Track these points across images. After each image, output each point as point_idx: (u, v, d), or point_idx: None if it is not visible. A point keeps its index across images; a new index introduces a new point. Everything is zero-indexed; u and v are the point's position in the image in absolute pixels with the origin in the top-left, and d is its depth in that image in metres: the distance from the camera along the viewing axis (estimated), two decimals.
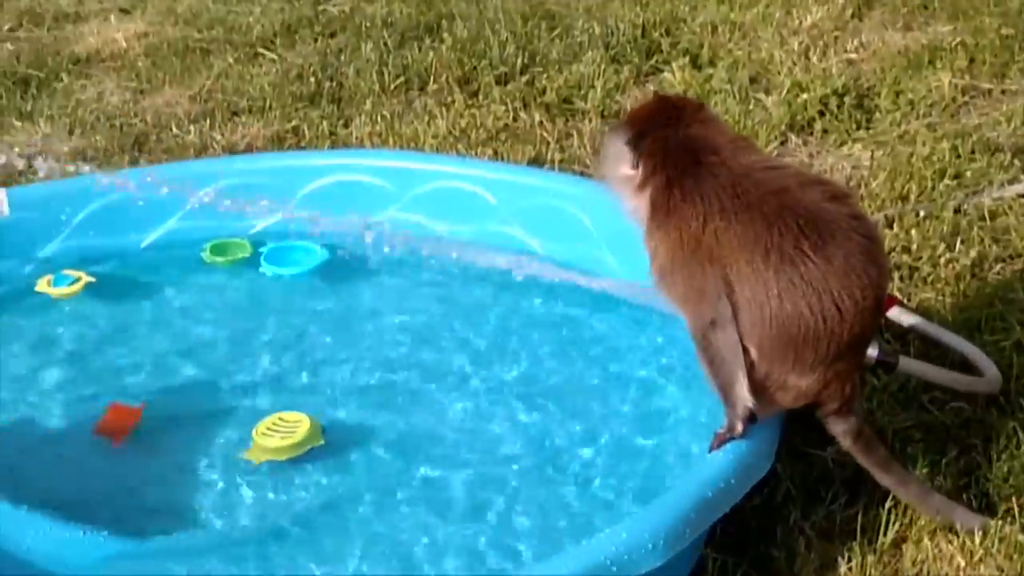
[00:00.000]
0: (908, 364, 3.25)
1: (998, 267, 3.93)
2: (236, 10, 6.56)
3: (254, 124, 5.29)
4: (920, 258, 3.95)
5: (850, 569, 2.85)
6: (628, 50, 5.65)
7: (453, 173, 4.13)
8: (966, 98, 5.07)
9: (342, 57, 5.87)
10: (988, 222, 4.14)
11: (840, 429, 2.88)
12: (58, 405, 3.50)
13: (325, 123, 5.20)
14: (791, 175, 2.85)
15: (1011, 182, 4.38)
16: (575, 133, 4.99)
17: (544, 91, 5.34)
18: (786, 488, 3.07)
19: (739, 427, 2.76)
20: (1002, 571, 2.80)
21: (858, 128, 4.91)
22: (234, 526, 3.02)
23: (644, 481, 3.10)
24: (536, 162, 4.76)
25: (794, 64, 5.39)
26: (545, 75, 5.47)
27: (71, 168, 4.57)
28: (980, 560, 2.83)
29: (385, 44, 5.92)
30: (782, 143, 4.86)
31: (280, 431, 3.23)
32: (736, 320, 2.74)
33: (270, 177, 4.21)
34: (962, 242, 4.01)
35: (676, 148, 2.89)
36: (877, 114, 5.00)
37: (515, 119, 5.13)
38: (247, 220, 4.18)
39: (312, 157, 4.49)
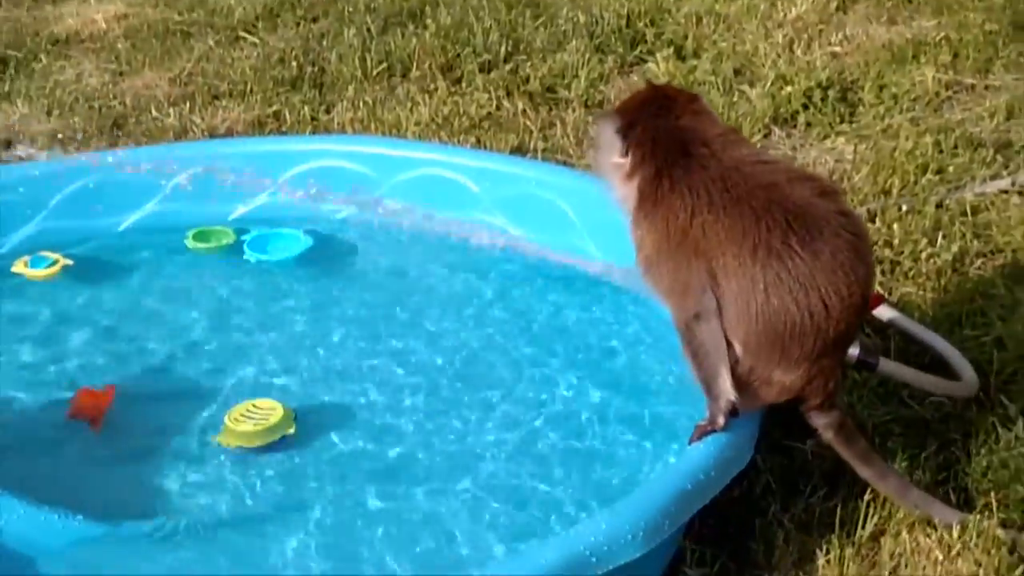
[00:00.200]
0: (887, 366, 3.24)
1: (979, 262, 3.93)
2: None
3: (235, 108, 5.26)
4: (902, 252, 3.95)
5: (828, 562, 2.84)
6: (613, 40, 5.64)
7: (436, 161, 4.11)
8: (949, 93, 5.07)
9: (324, 42, 5.84)
10: (970, 217, 4.14)
11: (822, 422, 2.88)
12: (31, 388, 3.48)
13: (306, 108, 5.17)
14: (781, 170, 2.83)
15: (993, 178, 4.39)
16: (558, 122, 4.97)
17: (528, 79, 5.32)
18: (765, 480, 3.06)
19: (720, 420, 2.75)
20: (980, 565, 2.80)
21: (841, 122, 4.91)
22: (203, 512, 3.01)
23: (623, 472, 3.09)
24: (519, 151, 4.74)
25: (778, 57, 5.38)
26: (529, 63, 5.46)
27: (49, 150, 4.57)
28: (958, 554, 2.83)
29: (368, 30, 5.89)
30: (765, 136, 4.85)
31: (253, 417, 3.22)
32: (721, 314, 2.73)
33: (251, 162, 4.19)
34: (944, 237, 4.01)
35: (666, 138, 2.87)
36: (860, 108, 4.99)
37: (498, 107, 5.11)
38: (230, 204, 4.17)
39: (293, 143, 4.46)
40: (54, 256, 3.94)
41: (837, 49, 5.47)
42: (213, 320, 3.77)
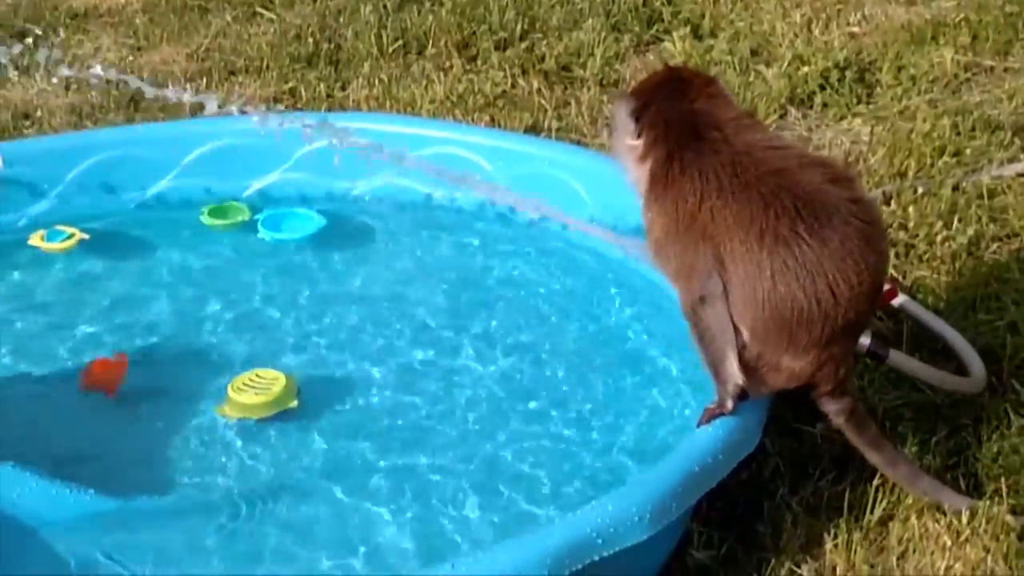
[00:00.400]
0: (897, 358, 3.22)
1: (995, 246, 3.91)
2: None
3: (251, 84, 5.26)
4: (917, 236, 3.93)
5: (836, 546, 2.84)
6: (629, 18, 5.61)
7: (450, 139, 4.10)
8: (968, 75, 5.03)
9: (341, 19, 5.83)
10: (986, 201, 4.12)
11: (833, 408, 2.86)
12: (44, 360, 3.51)
13: (322, 85, 5.17)
14: (793, 156, 2.81)
15: (1011, 161, 4.36)
16: (573, 101, 4.96)
17: (543, 58, 5.30)
18: (774, 464, 3.06)
19: (729, 404, 2.75)
20: (988, 551, 2.79)
21: (858, 103, 4.88)
22: (211, 485, 3.03)
23: (631, 453, 3.10)
24: (533, 130, 4.73)
25: (796, 36, 5.35)
26: (545, 41, 5.44)
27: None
28: (967, 540, 2.82)
29: (384, 6, 5.88)
30: (781, 116, 4.83)
31: (255, 388, 3.24)
32: (728, 299, 2.72)
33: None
34: (959, 220, 3.99)
35: (679, 121, 2.86)
36: (878, 89, 4.96)
37: (513, 86, 5.10)
38: (245, 181, 4.18)
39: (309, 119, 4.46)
40: (70, 230, 3.95)
41: (855, 29, 5.44)
42: (224, 296, 3.79)
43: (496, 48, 5.41)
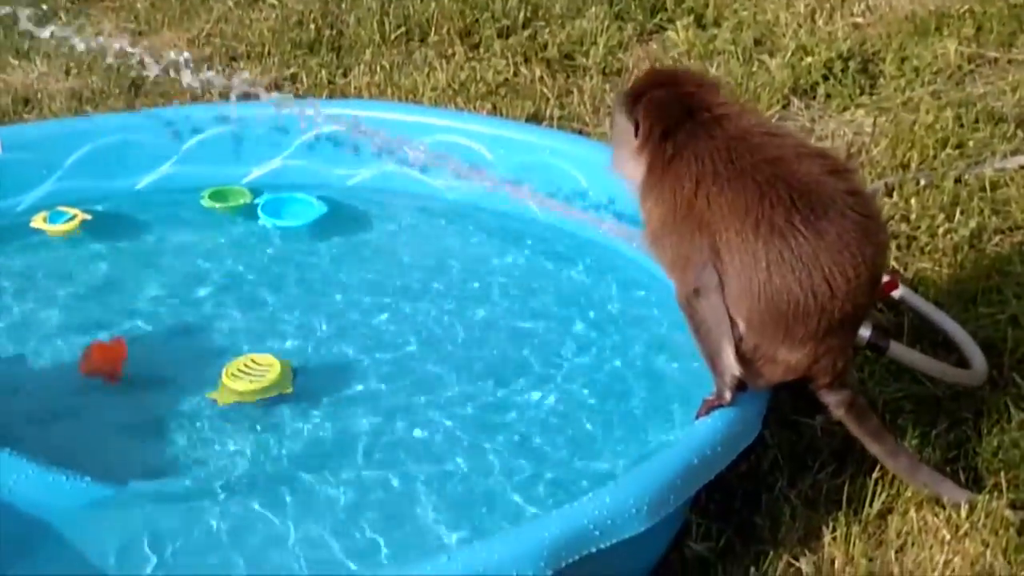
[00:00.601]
0: (898, 350, 3.21)
1: (997, 239, 3.90)
2: None
3: (252, 70, 5.24)
4: (918, 228, 3.92)
5: (834, 539, 2.83)
6: (632, 7, 5.59)
7: (451, 127, 4.09)
8: (972, 66, 5.01)
9: (343, 5, 5.81)
10: (988, 193, 4.10)
11: (832, 400, 2.85)
12: (43, 344, 3.50)
13: (324, 72, 5.16)
14: (790, 145, 2.79)
15: (1014, 153, 4.34)
16: (575, 90, 4.94)
17: (546, 46, 5.28)
18: (773, 456, 3.05)
19: (727, 395, 2.74)
20: (987, 546, 2.78)
21: (861, 94, 4.87)
22: (207, 472, 3.03)
23: (630, 445, 3.09)
24: (535, 118, 4.72)
25: (799, 27, 5.33)
26: (547, 29, 5.42)
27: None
28: (965, 534, 2.81)
29: None
30: (784, 106, 4.81)
31: (249, 374, 3.23)
32: (724, 290, 2.70)
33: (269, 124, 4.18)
34: (961, 212, 3.97)
35: (670, 103, 2.86)
36: (881, 80, 4.95)
37: (515, 74, 5.08)
38: (246, 166, 4.18)
39: (310, 107, 4.44)
40: (73, 211, 3.95)
41: (859, 20, 5.42)
42: (224, 281, 3.79)
43: (499, 36, 5.39)
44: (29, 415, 3.24)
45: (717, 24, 5.46)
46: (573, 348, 3.46)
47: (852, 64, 4.97)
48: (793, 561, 2.79)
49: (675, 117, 2.83)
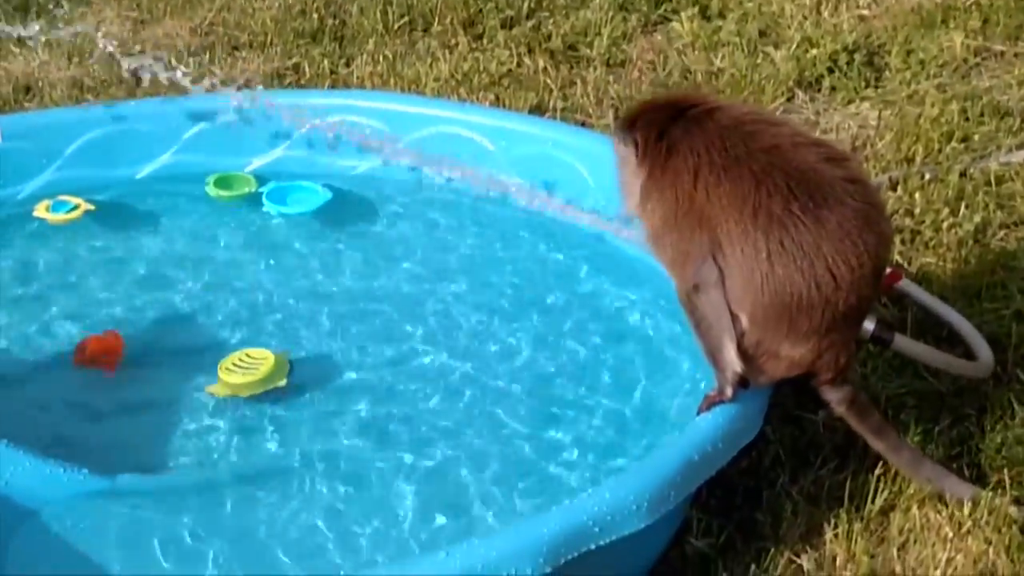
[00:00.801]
0: (903, 342, 3.19)
1: (1001, 234, 3.87)
2: None
3: (254, 59, 5.22)
4: (923, 222, 3.89)
5: (836, 535, 2.81)
6: None
7: (452, 118, 4.06)
8: (978, 59, 4.98)
9: None
10: (993, 187, 4.08)
11: (834, 397, 2.84)
12: (42, 334, 3.50)
13: (326, 61, 5.13)
14: (786, 133, 2.77)
15: (1019, 147, 4.31)
16: (579, 81, 4.91)
17: (550, 36, 5.25)
18: (775, 451, 3.04)
19: (729, 391, 2.72)
20: (990, 543, 2.77)
21: (867, 86, 4.83)
22: (203, 464, 3.04)
23: (631, 440, 3.07)
24: (538, 109, 4.69)
25: (804, 18, 5.30)
26: (551, 20, 5.39)
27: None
28: (968, 532, 2.79)
29: None
30: (789, 99, 4.78)
31: (244, 367, 3.23)
32: (725, 285, 2.68)
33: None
34: (966, 207, 3.95)
35: (662, 108, 2.87)
36: (887, 73, 4.91)
37: (519, 64, 5.05)
38: (248, 155, 4.17)
39: (313, 97, 4.42)
40: (75, 201, 3.94)
41: (865, 12, 5.38)
42: (226, 270, 3.78)
43: (502, 26, 5.36)
44: (27, 405, 3.24)
45: (722, 15, 5.42)
46: (576, 342, 3.44)
47: (857, 57, 4.93)
48: (794, 558, 2.78)
49: (668, 118, 2.81)
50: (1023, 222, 3.92)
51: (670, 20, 5.43)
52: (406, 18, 5.48)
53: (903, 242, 3.80)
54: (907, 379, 3.26)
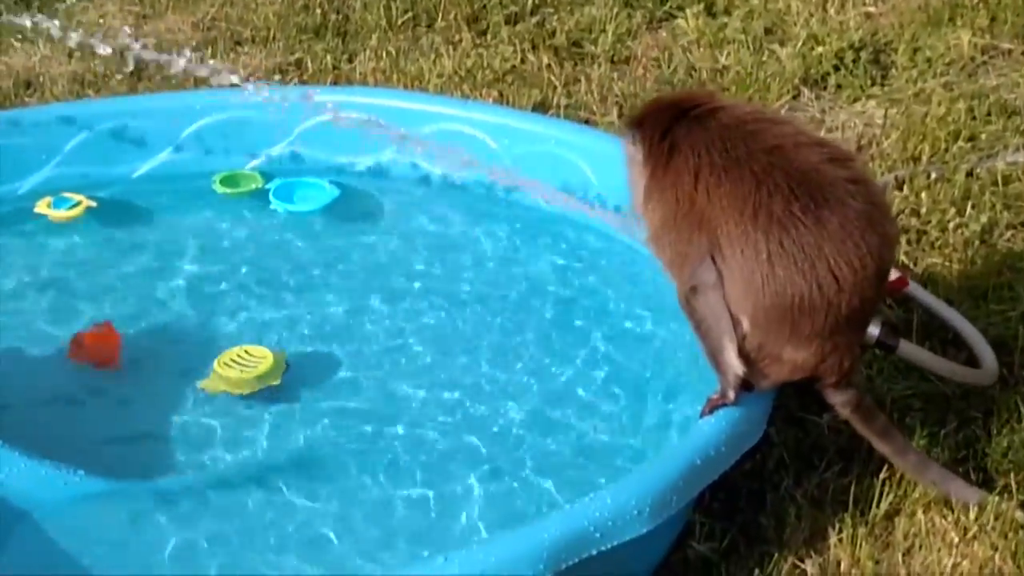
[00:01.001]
0: (907, 348, 3.16)
1: (1008, 234, 3.84)
2: None
3: (257, 55, 5.19)
4: (929, 222, 3.86)
5: (840, 540, 2.79)
6: None
7: (456, 116, 4.03)
8: (985, 58, 4.95)
9: None
10: (1000, 187, 4.04)
11: (839, 400, 2.81)
12: (39, 332, 3.47)
13: (329, 57, 5.10)
14: (788, 133, 2.74)
15: None
16: (583, 78, 4.88)
17: (554, 33, 5.22)
18: (779, 454, 3.01)
19: (731, 394, 2.69)
20: (996, 549, 2.74)
21: (873, 84, 4.80)
22: (200, 464, 3.01)
23: (633, 443, 3.05)
24: (542, 107, 4.66)
25: (811, 16, 5.26)
26: (556, 16, 5.36)
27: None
28: (974, 537, 2.77)
29: None
30: (794, 97, 4.75)
31: (241, 364, 3.21)
32: (725, 286, 2.65)
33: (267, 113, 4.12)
34: (973, 207, 3.92)
35: (667, 108, 2.84)
36: (893, 71, 4.88)
37: (523, 61, 5.02)
38: (250, 153, 4.14)
39: (316, 93, 4.39)
40: (77, 197, 3.91)
41: (871, 9, 5.35)
42: (230, 268, 3.74)
43: (506, 22, 5.33)
44: (26, 403, 3.22)
45: (727, 12, 5.39)
46: (581, 342, 3.41)
47: (864, 54, 4.90)
48: (798, 563, 2.75)
49: (672, 117, 2.79)
50: None
51: (675, 17, 5.40)
52: (410, 14, 5.45)
53: (909, 242, 3.77)
54: (913, 381, 3.23)
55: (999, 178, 4.08)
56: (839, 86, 4.81)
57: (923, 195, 3.97)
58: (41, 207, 3.89)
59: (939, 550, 2.75)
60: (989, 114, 4.48)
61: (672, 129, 2.77)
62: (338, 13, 5.51)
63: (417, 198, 4.06)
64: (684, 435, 2.72)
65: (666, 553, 2.77)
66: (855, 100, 4.72)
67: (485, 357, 3.36)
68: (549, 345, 3.40)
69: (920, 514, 2.83)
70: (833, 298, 2.61)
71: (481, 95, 4.72)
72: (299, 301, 3.60)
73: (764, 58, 4.96)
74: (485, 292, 3.64)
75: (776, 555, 2.76)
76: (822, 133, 4.44)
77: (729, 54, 4.98)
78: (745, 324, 2.66)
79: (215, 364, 3.21)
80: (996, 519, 2.79)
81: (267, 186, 4.04)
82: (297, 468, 2.99)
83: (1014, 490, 2.87)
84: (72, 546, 2.73)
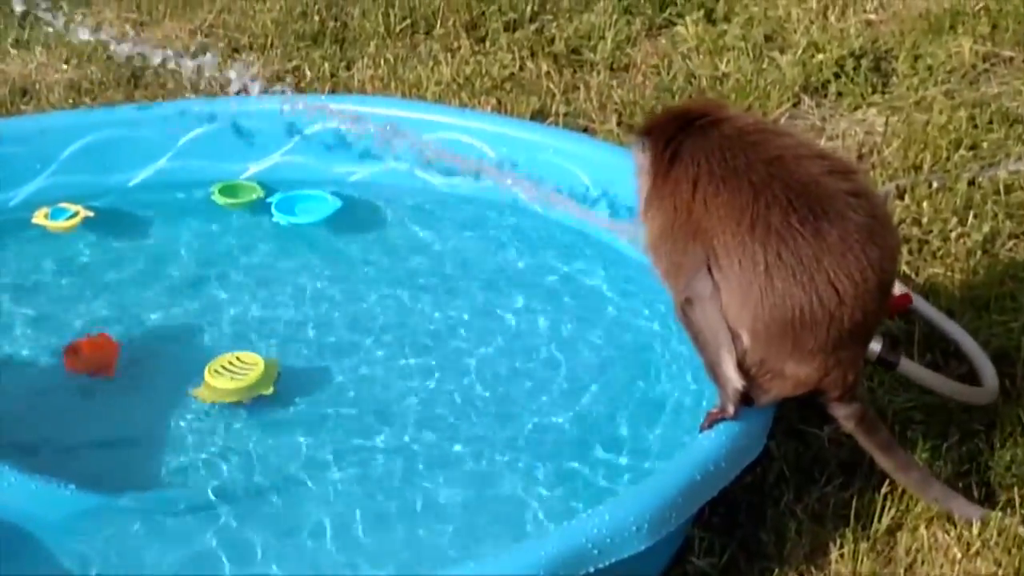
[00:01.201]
0: (908, 366, 3.13)
1: (1011, 243, 3.81)
2: None
3: (254, 62, 5.17)
4: (930, 231, 3.84)
5: (842, 555, 2.76)
6: (641, 1, 5.49)
7: (454, 124, 4.01)
8: (987, 65, 4.92)
9: None
10: (1003, 196, 4.02)
11: (842, 414, 2.78)
12: (33, 343, 3.46)
13: (327, 64, 5.08)
14: (789, 145, 2.71)
15: None
16: (582, 86, 4.86)
17: (553, 40, 5.20)
18: (779, 468, 2.98)
19: (730, 408, 2.66)
20: (999, 565, 2.71)
21: (873, 92, 4.78)
22: (194, 476, 2.99)
23: (634, 457, 3.02)
24: (540, 114, 4.63)
25: (811, 23, 5.24)
26: (555, 23, 5.34)
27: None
28: (977, 552, 2.74)
29: None
30: (795, 105, 4.73)
31: (232, 372, 3.19)
32: (723, 299, 2.62)
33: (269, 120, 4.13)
34: (975, 216, 3.89)
35: (674, 117, 2.83)
36: (894, 79, 4.86)
37: (521, 68, 5.00)
38: (245, 161, 4.13)
39: (314, 102, 4.37)
40: (75, 208, 3.89)
41: (872, 17, 5.33)
42: (224, 278, 3.73)
43: (505, 29, 5.31)
44: (15, 418, 3.19)
45: (727, 19, 5.37)
46: (583, 351, 3.39)
47: (864, 62, 4.87)
48: None
49: (677, 127, 2.77)
50: None
51: (675, 24, 5.38)
52: (408, 21, 5.43)
53: (910, 252, 3.75)
54: (915, 393, 3.20)
55: (1001, 187, 4.05)
56: (840, 94, 4.79)
57: (925, 204, 3.94)
58: (39, 218, 3.87)
59: (941, 566, 2.73)
60: (991, 122, 4.45)
61: (676, 138, 2.75)
62: (336, 20, 5.49)
63: (418, 208, 4.05)
64: (683, 450, 2.68)
65: (665, 569, 2.74)
66: (856, 108, 4.70)
67: (483, 368, 3.33)
68: (549, 355, 3.38)
69: (922, 529, 2.80)
70: (835, 311, 2.57)
71: (480, 103, 4.70)
72: (297, 311, 3.58)
73: (764, 65, 4.94)
74: (484, 302, 3.61)
75: (776, 571, 2.73)
76: (822, 141, 4.42)
77: (729, 61, 4.96)
78: (745, 338, 2.63)
79: (206, 372, 3.19)
80: (999, 534, 2.76)
81: (268, 199, 4.01)
82: (289, 477, 2.97)
83: (1017, 505, 2.84)
84: (63, 560, 2.71)
